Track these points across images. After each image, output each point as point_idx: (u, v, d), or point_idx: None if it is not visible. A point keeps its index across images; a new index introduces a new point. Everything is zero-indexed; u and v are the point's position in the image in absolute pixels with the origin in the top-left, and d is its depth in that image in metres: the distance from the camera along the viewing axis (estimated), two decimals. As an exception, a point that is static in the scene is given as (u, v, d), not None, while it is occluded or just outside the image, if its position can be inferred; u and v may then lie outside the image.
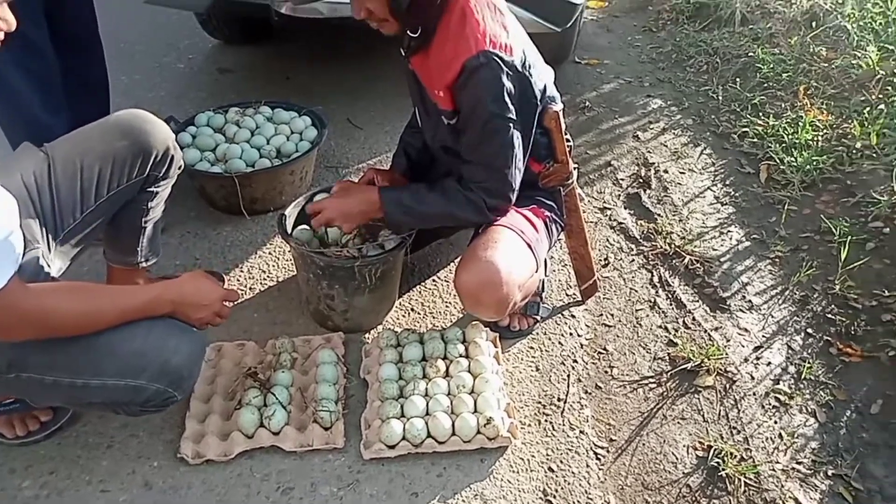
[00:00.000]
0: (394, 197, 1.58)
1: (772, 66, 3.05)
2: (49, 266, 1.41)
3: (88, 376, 1.23)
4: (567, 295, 1.97)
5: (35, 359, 1.21)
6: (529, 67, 1.46)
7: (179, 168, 1.63)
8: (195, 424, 1.48)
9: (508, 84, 1.39)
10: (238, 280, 1.95)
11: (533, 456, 1.51)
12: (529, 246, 1.57)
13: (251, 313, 1.84)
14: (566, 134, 1.65)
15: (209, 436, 1.45)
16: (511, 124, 1.43)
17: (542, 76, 1.55)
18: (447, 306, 1.90)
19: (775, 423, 1.64)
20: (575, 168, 1.72)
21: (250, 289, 1.93)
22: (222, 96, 2.86)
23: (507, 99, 1.40)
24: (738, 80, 3.06)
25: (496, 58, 1.37)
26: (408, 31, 1.44)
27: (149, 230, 1.66)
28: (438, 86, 1.46)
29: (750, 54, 3.20)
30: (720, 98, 2.99)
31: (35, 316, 1.14)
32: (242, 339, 1.72)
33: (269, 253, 2.05)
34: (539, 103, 1.50)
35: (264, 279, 1.96)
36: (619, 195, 2.44)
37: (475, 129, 1.45)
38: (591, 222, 2.29)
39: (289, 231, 1.74)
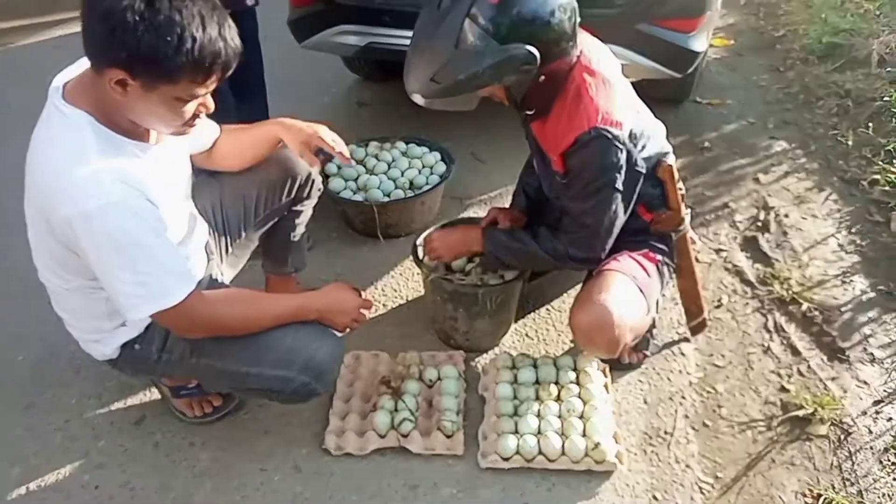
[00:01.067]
0: (493, 234, 1.79)
1: (910, 110, 2.94)
2: (222, 275, 1.71)
3: (250, 365, 1.47)
4: (677, 333, 2.04)
5: (210, 348, 1.47)
6: (636, 138, 1.58)
7: (319, 190, 1.91)
8: (337, 421, 1.71)
9: (615, 155, 1.52)
10: (373, 296, 2.18)
11: (638, 483, 1.61)
12: (641, 290, 1.67)
13: (384, 327, 2.06)
14: (679, 181, 1.75)
15: (348, 432, 1.67)
16: (612, 190, 1.56)
17: (653, 137, 1.66)
18: (559, 335, 2.03)
19: (894, 479, 1.63)
20: (687, 214, 1.81)
21: (383, 305, 2.15)
22: (361, 128, 3.15)
23: (611, 167, 1.53)
24: (870, 124, 2.97)
25: (606, 132, 1.50)
26: (525, 112, 1.63)
27: (296, 244, 1.94)
28: (552, 152, 1.62)
29: (885, 98, 3.09)
30: (850, 143, 2.92)
31: (207, 321, 1.38)
32: (377, 350, 1.94)
33: (401, 274, 2.28)
34: (643, 171, 1.60)
35: (395, 297, 2.18)
36: (736, 237, 2.46)
37: (578, 188, 1.59)
38: (706, 263, 2.33)
39: (421, 258, 1.95)
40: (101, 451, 1.69)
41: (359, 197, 2.40)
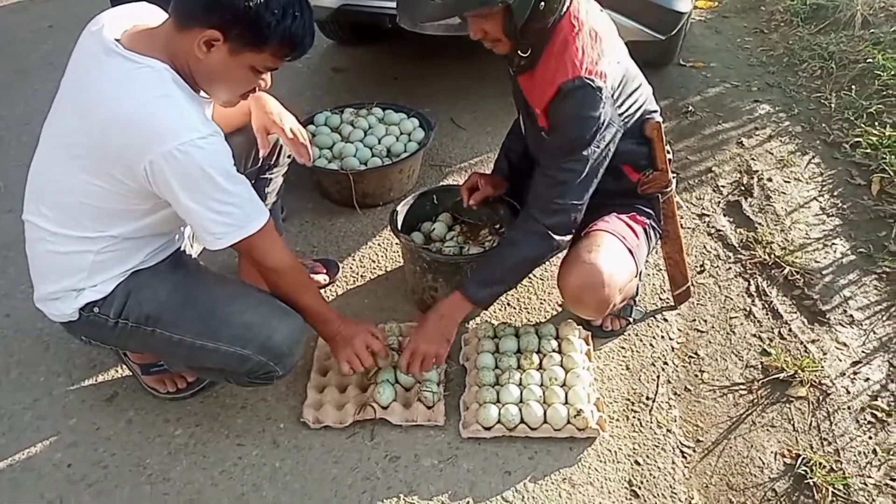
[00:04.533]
0: (469, 282, 1.63)
1: (893, 73, 2.91)
2: (192, 248, 1.65)
3: (206, 339, 1.43)
4: (660, 299, 2.03)
5: (168, 317, 1.43)
6: (619, 94, 1.53)
7: (289, 157, 1.85)
8: (315, 394, 1.67)
9: (596, 106, 1.47)
10: (350, 268, 2.14)
11: (620, 449, 1.60)
12: (630, 251, 1.64)
13: (362, 299, 2.02)
14: (666, 144, 1.71)
15: (327, 405, 1.64)
16: (590, 146, 1.50)
17: (642, 94, 1.61)
18: (542, 303, 2.00)
19: (870, 438, 1.64)
20: (674, 176, 1.78)
21: (361, 276, 2.11)
22: (336, 95, 3.08)
23: (592, 120, 1.47)
24: (853, 86, 2.95)
25: (589, 82, 1.45)
26: (518, 52, 1.54)
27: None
28: (537, 105, 1.56)
29: (869, 60, 3.07)
30: (833, 105, 2.90)
31: (278, 261, 1.44)
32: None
33: (379, 244, 2.23)
34: (621, 128, 1.55)
35: (374, 268, 2.14)
36: (719, 202, 2.44)
37: (557, 142, 1.54)
38: (689, 228, 2.31)
39: (399, 227, 1.90)
40: (73, 429, 1.64)
41: (334, 165, 2.33)
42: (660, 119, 1.66)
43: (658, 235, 1.81)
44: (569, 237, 1.62)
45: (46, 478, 1.54)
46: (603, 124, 1.49)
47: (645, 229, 1.72)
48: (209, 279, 1.56)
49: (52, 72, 2.93)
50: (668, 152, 1.74)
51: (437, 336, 1.63)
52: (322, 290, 2.03)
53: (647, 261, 2.02)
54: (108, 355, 1.80)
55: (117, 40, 1.26)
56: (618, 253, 1.62)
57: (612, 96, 1.51)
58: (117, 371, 1.78)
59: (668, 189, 1.76)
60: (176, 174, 1.23)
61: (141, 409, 1.68)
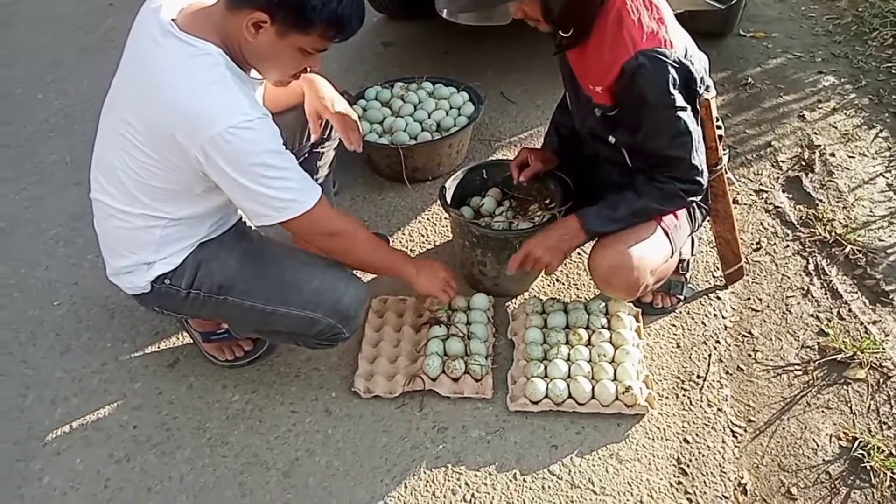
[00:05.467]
0: (593, 214, 1.60)
1: (972, 39, 2.74)
2: (246, 222, 1.69)
3: (277, 304, 1.49)
4: (714, 277, 1.98)
5: (240, 285, 1.49)
6: (691, 57, 1.48)
7: None
8: (366, 364, 1.72)
9: (672, 76, 1.42)
10: (400, 242, 2.16)
11: (669, 426, 1.59)
12: (666, 232, 1.61)
13: (412, 272, 2.05)
14: (717, 121, 1.65)
15: (377, 375, 1.68)
16: (681, 112, 1.45)
17: (699, 64, 1.56)
18: (591, 279, 1.99)
19: (933, 424, 1.59)
20: (725, 153, 1.72)
21: (411, 250, 2.13)
22: (385, 69, 3.08)
23: (671, 90, 1.42)
24: (928, 55, 2.79)
25: (656, 54, 1.40)
26: (560, 32, 1.50)
27: (320, 186, 1.90)
28: (596, 83, 1.51)
29: (946, 26, 2.89)
30: (904, 75, 2.75)
31: (341, 231, 1.46)
32: (403, 295, 1.93)
33: (428, 219, 2.25)
34: (699, 90, 1.51)
35: (423, 242, 2.16)
36: (778, 178, 2.36)
37: (646, 125, 1.49)
38: (745, 205, 2.25)
39: (448, 202, 1.91)
40: (138, 392, 1.73)
41: (384, 140, 2.34)
42: (710, 95, 1.60)
43: (706, 213, 1.76)
44: (700, 196, 1.59)
45: (115, 437, 1.63)
46: (682, 86, 1.44)
47: (686, 209, 1.67)
48: (275, 248, 1.60)
49: (114, 49, 3.02)
50: (719, 128, 1.69)
51: (555, 247, 1.62)
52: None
53: (699, 237, 1.98)
54: (171, 323, 1.88)
55: (173, 20, 1.29)
56: (650, 234, 1.59)
57: (685, 57, 1.45)
58: (179, 338, 1.86)
59: (718, 167, 1.71)
60: (227, 156, 1.26)
61: (201, 376, 1.76)
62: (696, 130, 1.50)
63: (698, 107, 1.55)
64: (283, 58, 1.31)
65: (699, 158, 1.52)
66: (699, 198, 1.59)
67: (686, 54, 1.47)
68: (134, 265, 1.48)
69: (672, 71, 1.42)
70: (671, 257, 1.68)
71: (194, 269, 1.48)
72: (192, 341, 1.82)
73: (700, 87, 1.51)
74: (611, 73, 1.45)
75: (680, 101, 1.45)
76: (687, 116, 1.47)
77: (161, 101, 1.27)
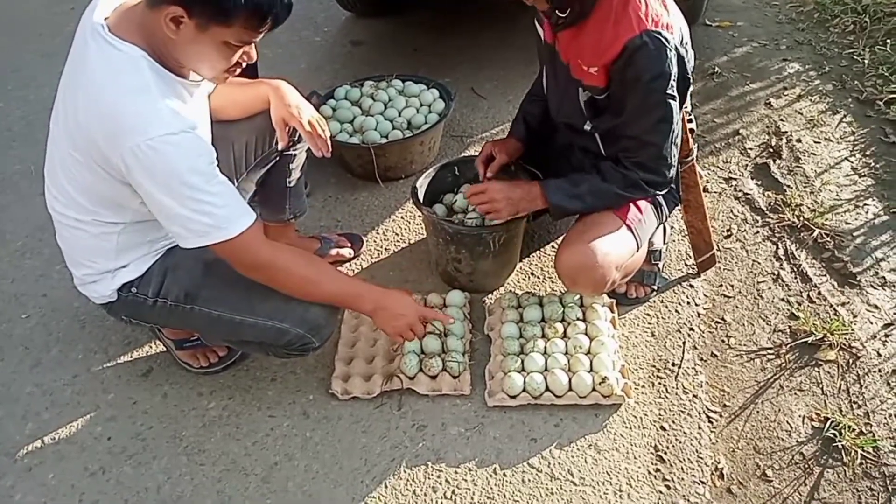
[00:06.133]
0: (554, 185, 1.62)
1: (930, 24, 2.80)
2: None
3: (245, 314, 1.46)
4: (686, 265, 2.01)
5: (206, 294, 1.46)
6: (686, 45, 1.48)
7: None
8: (343, 366, 1.71)
9: (669, 62, 1.41)
10: (374, 241, 2.15)
11: (646, 415, 1.61)
12: (630, 228, 1.62)
13: (387, 272, 2.04)
14: (689, 114, 1.67)
15: (355, 376, 1.67)
16: (670, 101, 1.45)
17: (690, 56, 1.55)
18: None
19: (902, 401, 1.62)
20: (695, 144, 1.74)
21: (385, 249, 2.13)
22: (355, 68, 3.06)
23: (665, 76, 1.42)
24: (888, 41, 2.84)
25: (659, 36, 1.39)
26: (557, 11, 1.47)
27: (293, 189, 1.88)
28: (591, 62, 1.48)
29: (905, 11, 2.95)
30: (866, 61, 2.80)
31: (267, 265, 1.37)
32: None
33: (402, 217, 2.24)
34: (692, 80, 1.51)
35: (397, 241, 2.15)
36: (747, 165, 2.39)
37: (634, 106, 1.48)
38: (715, 192, 2.27)
39: (421, 200, 1.90)
40: (111, 403, 1.70)
41: (355, 139, 2.33)
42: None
43: (674, 205, 1.78)
44: (664, 190, 1.60)
45: (88, 450, 1.60)
46: (676, 74, 1.44)
47: (652, 202, 1.68)
48: None
49: (76, 55, 2.97)
50: (690, 121, 1.70)
51: (514, 201, 1.63)
52: (347, 265, 2.06)
53: (671, 226, 2.01)
54: (143, 332, 1.85)
55: (105, 20, 1.24)
56: (614, 230, 1.60)
57: (681, 45, 1.46)
58: (151, 347, 1.83)
59: (689, 158, 1.73)
60: (145, 169, 1.21)
61: (175, 384, 1.74)
62: (678, 124, 1.51)
63: (686, 101, 1.55)
64: (210, 53, 1.24)
65: (671, 152, 1.53)
66: (663, 191, 1.60)
67: (682, 42, 1.47)
68: (97, 274, 1.45)
69: (671, 56, 1.42)
70: (637, 252, 1.68)
71: (161, 277, 1.46)
72: (165, 349, 1.79)
73: (691, 77, 1.51)
74: (611, 50, 1.43)
75: (672, 88, 1.45)
76: (675, 105, 1.47)
77: (84, 107, 1.24)
